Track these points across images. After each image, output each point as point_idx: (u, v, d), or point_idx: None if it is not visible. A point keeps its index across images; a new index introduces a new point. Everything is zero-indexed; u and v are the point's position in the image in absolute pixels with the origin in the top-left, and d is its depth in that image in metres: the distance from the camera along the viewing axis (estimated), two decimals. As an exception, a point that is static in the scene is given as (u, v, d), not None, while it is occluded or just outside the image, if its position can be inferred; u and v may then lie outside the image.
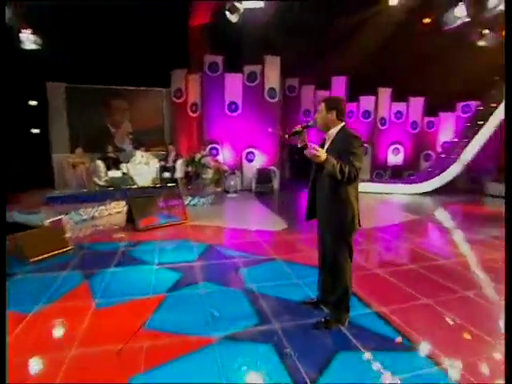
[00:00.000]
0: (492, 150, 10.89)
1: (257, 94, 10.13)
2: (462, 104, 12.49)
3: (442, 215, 7.76)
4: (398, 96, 12.65)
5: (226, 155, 10.29)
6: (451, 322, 2.76)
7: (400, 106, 12.81)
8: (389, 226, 6.34)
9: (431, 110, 12.91)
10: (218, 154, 10.12)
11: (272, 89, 10.17)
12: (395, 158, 13.00)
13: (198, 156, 8.84)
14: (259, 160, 10.36)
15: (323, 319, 2.67)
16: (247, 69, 10.01)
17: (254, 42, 9.86)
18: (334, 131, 2.57)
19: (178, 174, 8.67)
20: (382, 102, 12.62)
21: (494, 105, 10.60)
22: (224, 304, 3.02)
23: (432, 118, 13.01)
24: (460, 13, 9.38)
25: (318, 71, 12.03)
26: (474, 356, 2.32)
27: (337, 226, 2.51)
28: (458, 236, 5.82)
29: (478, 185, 11.02)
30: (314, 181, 2.72)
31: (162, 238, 5.11)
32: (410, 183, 10.76)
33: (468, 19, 9.46)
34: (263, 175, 10.10)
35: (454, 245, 5.37)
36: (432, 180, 10.48)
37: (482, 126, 10.53)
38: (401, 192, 10.45)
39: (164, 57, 9.45)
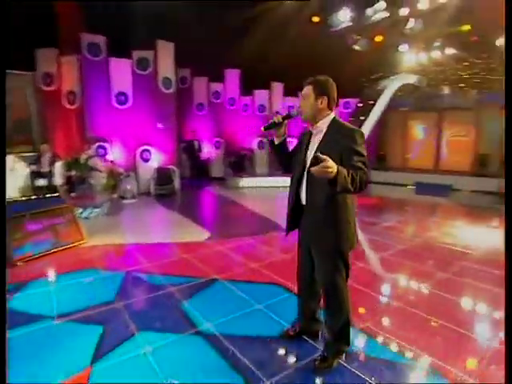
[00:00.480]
0: (371, 141, 12.21)
1: (149, 83, 8.88)
2: (343, 101, 13.67)
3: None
4: (290, 91, 13.08)
5: (116, 155, 8.77)
6: (434, 325, 2.60)
7: (293, 101, 13.27)
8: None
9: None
10: (106, 153, 8.53)
11: (167, 78, 9.08)
12: (289, 151, 13.46)
13: (83, 157, 7.19)
14: (156, 159, 9.19)
15: (320, 357, 2.15)
16: (136, 54, 8.65)
17: (143, 24, 8.62)
18: (323, 123, 2.04)
19: (58, 179, 6.91)
20: (276, 97, 12.85)
21: (372, 102, 11.91)
22: (184, 364, 2.20)
23: (320, 113, 13.93)
24: (343, 17, 10.07)
25: (211, 63, 11.42)
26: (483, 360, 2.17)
27: (334, 241, 2.01)
28: (371, 225, 6.05)
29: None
30: (297, 184, 2.14)
31: (55, 272, 3.77)
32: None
33: (350, 24, 10.23)
34: (163, 176, 8.99)
35: (373, 234, 5.51)
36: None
37: (364, 120, 11.69)
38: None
39: (25, 30, 7.34)
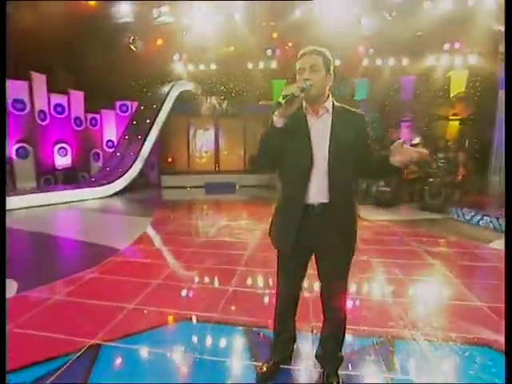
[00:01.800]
0: (156, 145, 11.97)
1: None
2: (119, 103, 12.69)
3: (179, 213, 7.65)
4: (55, 86, 10.80)
5: None
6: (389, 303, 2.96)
7: (60, 99, 11.03)
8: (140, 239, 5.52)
9: (93, 107, 12.15)
10: None
11: None
12: (63, 159, 11.23)
13: None
14: None
15: (327, 377, 1.98)
16: None
17: None
18: (329, 105, 1.78)
19: None
20: (39, 92, 10.28)
21: (155, 106, 11.72)
22: None
23: (95, 115, 12.31)
24: (123, 10, 9.33)
25: None
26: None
27: (352, 241, 1.86)
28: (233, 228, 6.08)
29: (145, 178, 12.05)
30: (304, 181, 1.76)
31: None
32: (98, 186, 9.85)
33: (131, 19, 9.62)
34: None
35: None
36: (121, 179, 10.21)
37: (150, 124, 11.33)
38: (92, 197, 9.40)
39: None
